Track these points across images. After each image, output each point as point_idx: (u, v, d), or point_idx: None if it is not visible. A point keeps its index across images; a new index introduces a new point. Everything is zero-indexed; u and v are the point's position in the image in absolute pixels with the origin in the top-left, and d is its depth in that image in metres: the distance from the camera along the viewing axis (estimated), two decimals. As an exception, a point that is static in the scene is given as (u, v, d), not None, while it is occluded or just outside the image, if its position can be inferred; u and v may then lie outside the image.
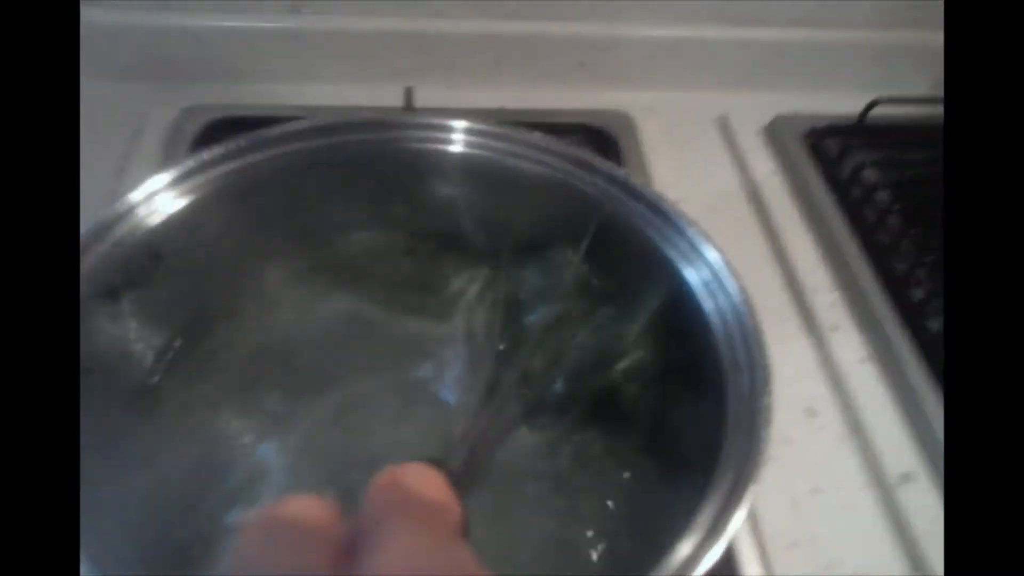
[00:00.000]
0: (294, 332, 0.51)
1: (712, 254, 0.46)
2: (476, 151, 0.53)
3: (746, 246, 0.67)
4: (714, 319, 0.44)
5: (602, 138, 0.74)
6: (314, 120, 0.50)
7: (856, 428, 0.54)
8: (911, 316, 0.57)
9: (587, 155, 0.51)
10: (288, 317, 0.52)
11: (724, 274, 0.45)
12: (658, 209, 0.49)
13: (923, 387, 0.54)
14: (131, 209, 0.45)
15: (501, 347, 0.49)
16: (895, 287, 0.59)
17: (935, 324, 0.56)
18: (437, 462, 0.28)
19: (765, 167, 0.73)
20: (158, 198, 0.46)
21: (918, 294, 0.58)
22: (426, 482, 0.25)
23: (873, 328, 0.58)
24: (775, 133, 0.75)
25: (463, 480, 0.31)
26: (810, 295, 0.62)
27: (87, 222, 0.45)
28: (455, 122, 0.52)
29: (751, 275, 0.63)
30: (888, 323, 0.57)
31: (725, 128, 0.77)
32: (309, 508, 0.23)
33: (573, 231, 0.53)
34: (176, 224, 0.46)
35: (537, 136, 0.52)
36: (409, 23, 0.76)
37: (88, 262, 0.41)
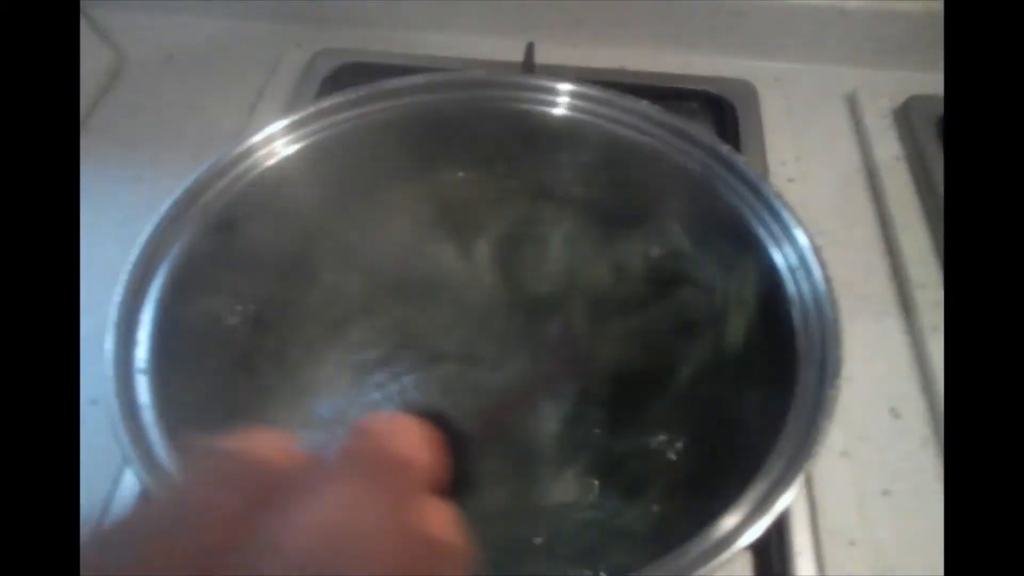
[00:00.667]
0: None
1: (803, 239, 0.45)
2: (579, 115, 0.53)
3: (856, 232, 0.64)
4: (795, 306, 0.44)
5: (721, 107, 0.72)
6: (427, 76, 0.52)
7: (939, 433, 0.52)
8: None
9: (691, 127, 0.51)
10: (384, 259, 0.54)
11: (811, 261, 0.44)
12: (756, 188, 0.48)
13: (1021, 401, 0.51)
14: (250, 149, 0.49)
15: (570, 315, 0.50)
16: (1008, 292, 0.56)
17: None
18: (436, 415, 0.27)
19: (890, 151, 0.69)
20: (277, 143, 0.50)
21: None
22: (397, 435, 0.23)
23: (977, 333, 0.56)
24: (906, 115, 0.71)
25: (474, 439, 0.29)
26: (915, 290, 0.59)
27: (211, 157, 0.49)
28: (561, 84, 0.53)
29: (855, 263, 0.62)
30: (994, 330, 0.55)
31: (853, 106, 0.74)
32: (262, 445, 0.22)
33: (667, 203, 0.53)
34: (290, 167, 0.50)
35: (643, 104, 0.52)
36: (537, -22, 0.77)
37: (208, 196, 0.45)
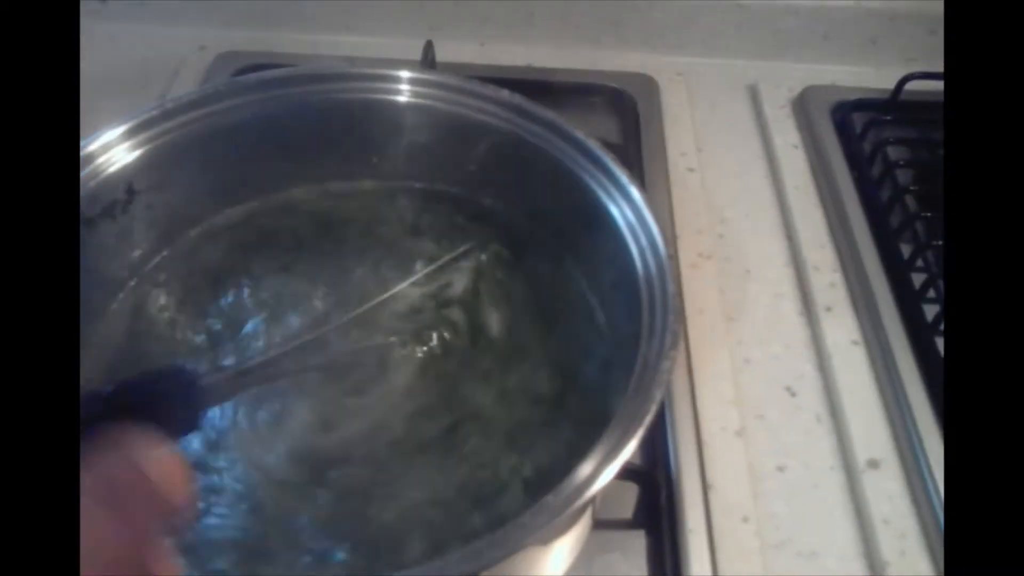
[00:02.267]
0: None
1: (636, 195, 0.45)
2: (420, 100, 0.53)
3: (756, 219, 0.65)
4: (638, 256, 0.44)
5: (623, 100, 0.73)
6: (269, 72, 0.52)
7: (834, 410, 0.53)
8: (908, 302, 0.56)
9: (527, 103, 0.51)
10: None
11: (649, 221, 0.44)
12: (588, 151, 0.48)
13: (909, 375, 0.52)
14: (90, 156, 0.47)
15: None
16: (896, 271, 0.58)
17: (930, 312, 0.54)
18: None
19: (788, 139, 0.71)
20: (116, 148, 0.48)
21: (919, 280, 0.57)
22: (157, 471, 0.22)
23: (868, 312, 0.57)
24: (803, 105, 0.73)
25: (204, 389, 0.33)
26: (811, 273, 0.60)
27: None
28: (400, 72, 0.53)
29: (756, 248, 0.63)
30: (884, 307, 0.56)
31: (754, 97, 0.76)
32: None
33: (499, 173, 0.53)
34: (145, 166, 0.48)
35: (476, 84, 0.52)
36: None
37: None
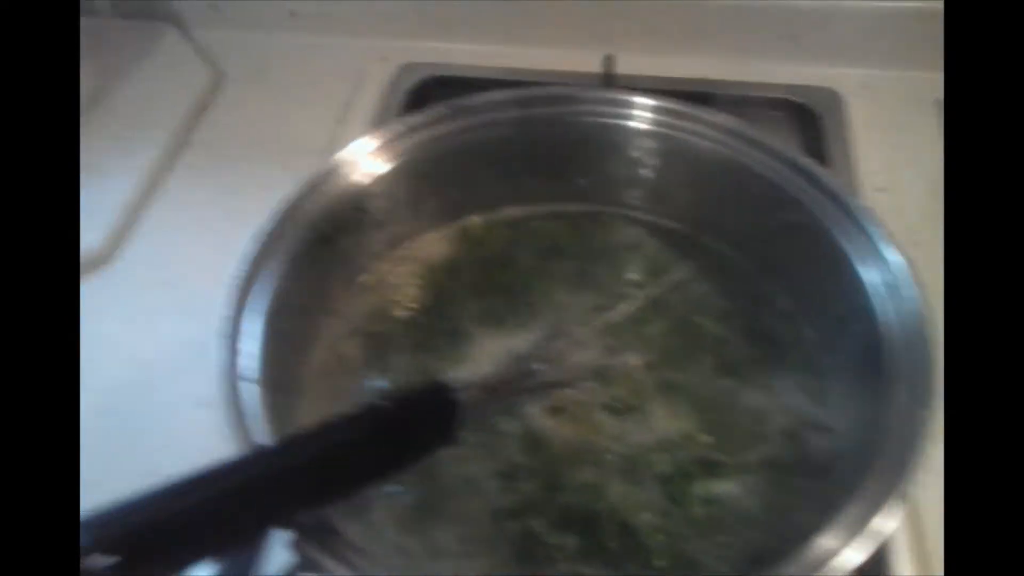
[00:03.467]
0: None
1: (894, 256, 0.44)
2: (661, 129, 0.53)
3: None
4: (884, 324, 0.43)
5: (805, 116, 0.72)
6: (509, 93, 0.53)
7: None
8: None
9: (772, 140, 0.50)
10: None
11: (903, 279, 0.43)
12: (842, 202, 0.47)
13: None
14: (343, 165, 0.50)
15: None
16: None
17: None
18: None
19: (985, 158, 0.67)
20: (367, 159, 0.51)
21: None
22: None
23: None
24: (1001, 121, 0.69)
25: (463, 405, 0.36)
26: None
27: (304, 175, 0.51)
28: (641, 99, 0.53)
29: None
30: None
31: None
32: None
33: (749, 217, 0.52)
34: (379, 183, 0.51)
35: (723, 118, 0.52)
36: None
37: (304, 212, 0.47)
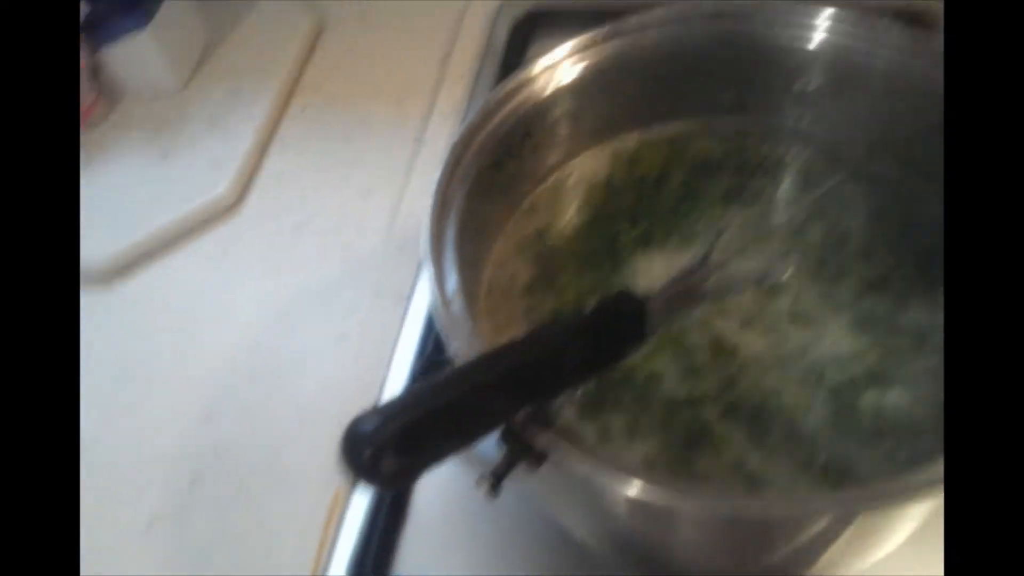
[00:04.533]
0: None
1: None
2: (834, 40, 0.51)
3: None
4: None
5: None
6: (670, 10, 0.52)
7: None
8: None
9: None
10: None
11: None
12: None
13: None
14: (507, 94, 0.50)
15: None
16: None
17: None
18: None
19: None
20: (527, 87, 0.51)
21: None
22: None
23: None
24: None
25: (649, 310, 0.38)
26: None
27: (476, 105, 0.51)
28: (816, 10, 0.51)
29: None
30: None
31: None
32: None
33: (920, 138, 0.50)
34: (541, 108, 0.51)
35: (904, 32, 0.49)
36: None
37: (478, 140, 0.48)
